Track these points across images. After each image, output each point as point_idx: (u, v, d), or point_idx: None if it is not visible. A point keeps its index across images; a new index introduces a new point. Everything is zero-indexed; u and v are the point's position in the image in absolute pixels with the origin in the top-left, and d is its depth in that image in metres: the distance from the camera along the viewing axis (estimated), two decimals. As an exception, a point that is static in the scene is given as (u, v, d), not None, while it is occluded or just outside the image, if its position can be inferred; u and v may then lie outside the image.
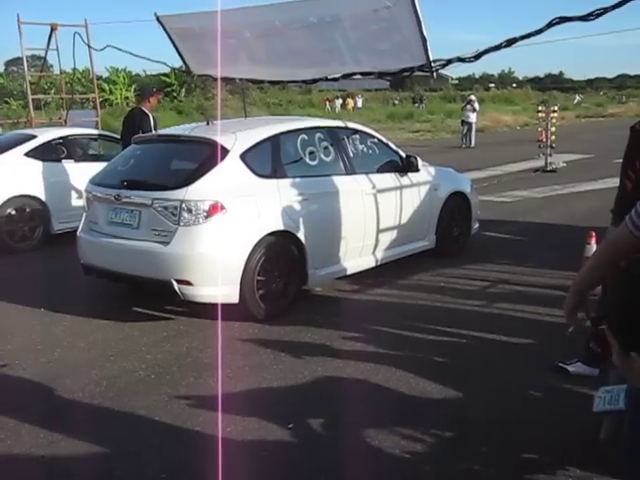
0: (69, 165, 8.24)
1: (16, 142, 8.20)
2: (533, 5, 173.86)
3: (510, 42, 4.21)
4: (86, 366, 4.37)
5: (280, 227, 5.21)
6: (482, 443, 3.30)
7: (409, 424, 3.48)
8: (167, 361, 4.44)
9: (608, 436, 2.81)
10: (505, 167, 15.11)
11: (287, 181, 5.42)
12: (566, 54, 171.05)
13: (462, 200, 7.08)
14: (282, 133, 5.66)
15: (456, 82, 69.70)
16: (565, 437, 3.32)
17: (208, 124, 5.91)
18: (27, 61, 14.45)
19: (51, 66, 20.17)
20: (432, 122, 33.03)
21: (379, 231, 6.04)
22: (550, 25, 3.86)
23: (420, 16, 5.09)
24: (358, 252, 5.90)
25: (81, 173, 7.29)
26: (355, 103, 45.26)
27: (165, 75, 36.58)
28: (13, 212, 7.75)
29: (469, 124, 21.20)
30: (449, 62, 5.03)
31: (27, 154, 8.00)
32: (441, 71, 5.63)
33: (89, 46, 11.92)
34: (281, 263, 5.26)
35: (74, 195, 8.01)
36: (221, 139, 5.23)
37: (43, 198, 7.89)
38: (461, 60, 4.74)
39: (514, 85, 70.92)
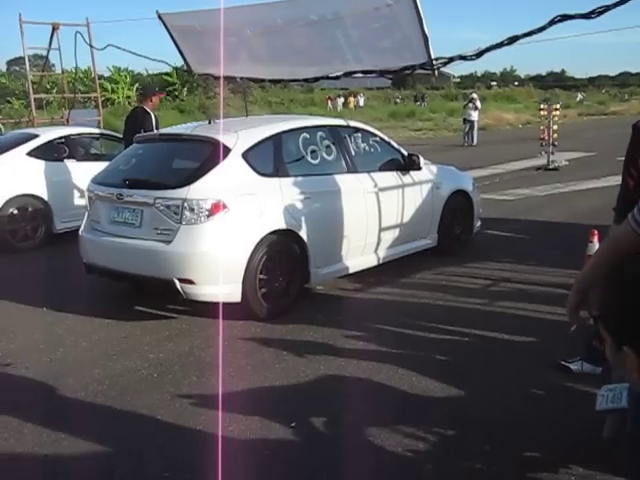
0: (71, 164, 8.24)
1: (18, 141, 8.21)
2: (534, 3, 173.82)
3: (512, 40, 4.21)
4: (88, 365, 4.37)
5: (282, 226, 5.21)
6: (484, 441, 3.29)
7: (411, 422, 3.48)
8: (169, 360, 4.44)
9: (611, 434, 2.82)
10: (507, 165, 15.09)
11: (289, 180, 5.42)
12: (568, 52, 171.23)
13: (464, 198, 7.07)
14: (284, 132, 5.66)
15: (458, 80, 69.78)
16: (568, 435, 3.32)
17: (210, 123, 5.90)
18: (29, 60, 14.47)
19: (53, 65, 20.25)
20: (434, 120, 33.01)
21: (381, 230, 6.04)
22: (552, 23, 3.87)
23: (421, 14, 5.06)
24: (360, 251, 5.90)
25: (83, 172, 7.31)
26: (357, 102, 45.24)
27: (167, 74, 36.61)
28: (15, 211, 7.75)
29: (471, 122, 21.17)
30: (451, 60, 5.03)
31: (29, 153, 8.00)
32: (443, 69, 5.62)
33: (91, 45, 11.91)
34: (283, 262, 5.26)
35: (76, 194, 8.01)
36: (223, 138, 5.22)
37: (45, 197, 7.90)
38: (463, 58, 4.74)
39: (516, 83, 71.00)
